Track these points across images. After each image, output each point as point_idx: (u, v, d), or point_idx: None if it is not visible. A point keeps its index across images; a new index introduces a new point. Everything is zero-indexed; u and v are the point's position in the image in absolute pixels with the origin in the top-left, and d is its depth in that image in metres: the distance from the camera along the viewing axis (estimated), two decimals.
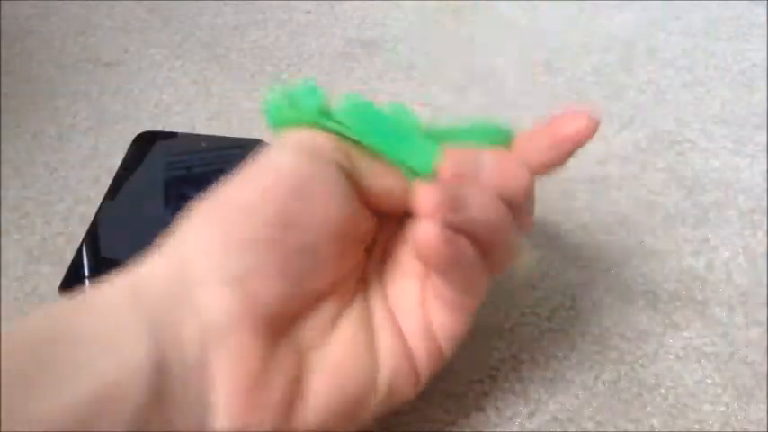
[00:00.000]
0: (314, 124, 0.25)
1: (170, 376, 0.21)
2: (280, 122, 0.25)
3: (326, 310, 0.24)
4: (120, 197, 0.37)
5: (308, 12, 0.50)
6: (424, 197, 0.22)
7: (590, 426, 0.29)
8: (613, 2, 0.51)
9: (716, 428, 0.29)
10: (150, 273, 0.22)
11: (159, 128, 0.42)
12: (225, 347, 0.21)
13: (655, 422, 0.29)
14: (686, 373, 0.31)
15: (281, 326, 0.23)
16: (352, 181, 0.24)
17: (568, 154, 0.24)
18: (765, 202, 0.37)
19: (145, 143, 0.40)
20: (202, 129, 0.42)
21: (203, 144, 0.40)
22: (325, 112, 0.25)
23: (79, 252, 0.34)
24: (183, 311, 0.21)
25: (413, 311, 0.25)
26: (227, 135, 0.41)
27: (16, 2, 0.50)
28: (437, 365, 0.26)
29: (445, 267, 0.23)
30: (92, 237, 0.35)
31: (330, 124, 0.25)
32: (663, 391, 0.30)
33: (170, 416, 0.21)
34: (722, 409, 0.29)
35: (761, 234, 0.36)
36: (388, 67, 0.46)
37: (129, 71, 0.46)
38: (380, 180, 0.24)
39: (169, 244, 0.23)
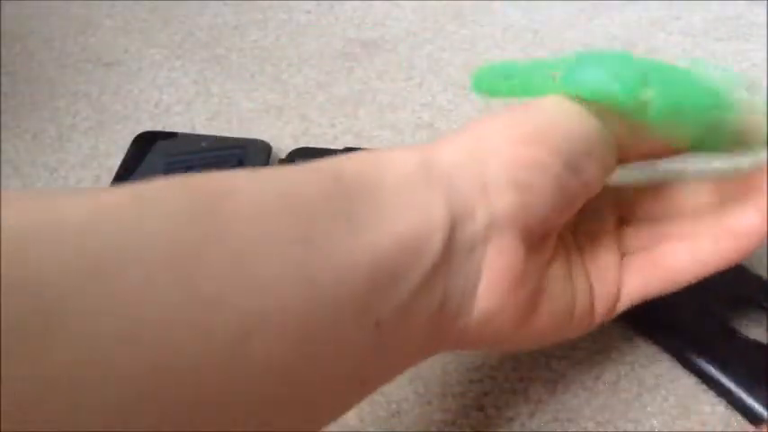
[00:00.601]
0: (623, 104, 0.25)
1: (456, 245, 0.22)
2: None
3: (549, 245, 0.26)
4: None
5: (308, 12, 0.50)
6: None
7: (590, 426, 0.29)
8: (613, 2, 0.51)
9: (718, 429, 0.29)
10: (441, 158, 0.24)
11: (159, 128, 0.42)
12: (499, 240, 0.23)
13: (655, 422, 0.29)
14: (686, 374, 0.31)
15: (532, 242, 0.25)
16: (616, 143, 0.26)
17: None
18: None
19: (145, 143, 0.40)
20: (202, 129, 0.42)
21: (203, 144, 0.40)
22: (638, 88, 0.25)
23: None
24: (474, 196, 0.23)
25: (608, 269, 0.28)
26: (227, 135, 0.41)
27: (16, 2, 0.50)
28: (611, 315, 0.28)
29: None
30: None
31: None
32: (663, 391, 0.30)
33: (445, 284, 0.22)
34: (722, 409, 0.29)
35: None
36: (388, 67, 0.46)
37: (129, 71, 0.46)
38: (637, 148, 0.27)
39: (460, 138, 0.25)
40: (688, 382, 0.30)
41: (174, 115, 0.43)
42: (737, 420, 0.29)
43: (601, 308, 0.27)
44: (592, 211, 0.28)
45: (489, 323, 0.24)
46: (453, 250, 0.22)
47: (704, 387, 0.30)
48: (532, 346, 0.29)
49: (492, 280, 0.23)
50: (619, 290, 0.28)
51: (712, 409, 0.29)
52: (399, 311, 0.21)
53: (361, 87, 0.45)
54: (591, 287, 0.27)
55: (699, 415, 0.29)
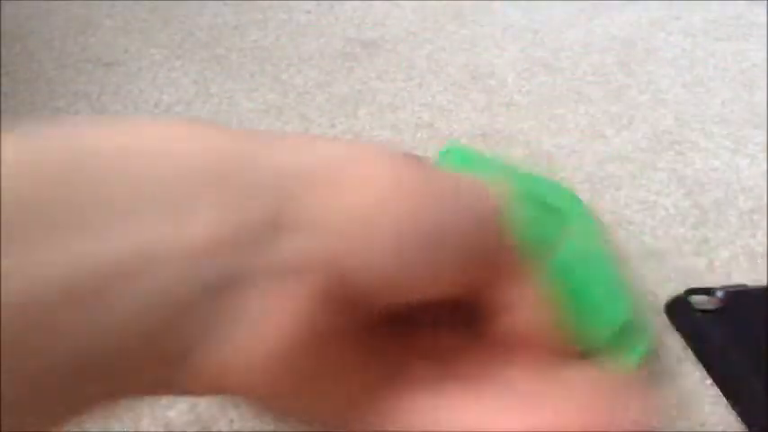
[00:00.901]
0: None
1: (227, 270, 0.16)
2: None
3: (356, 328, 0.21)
4: None
5: (308, 12, 0.50)
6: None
7: None
8: (613, 2, 0.51)
9: (718, 429, 0.29)
10: (274, 157, 0.18)
11: None
12: (297, 281, 0.17)
13: (655, 422, 0.29)
14: (687, 374, 0.31)
15: (340, 307, 0.20)
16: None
17: None
18: (765, 202, 0.37)
19: None
20: None
21: None
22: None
23: None
24: (289, 217, 0.16)
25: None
26: None
27: (16, 2, 0.50)
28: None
29: None
30: None
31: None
32: (663, 391, 0.30)
33: (187, 319, 0.17)
34: (722, 409, 0.29)
35: (761, 234, 0.36)
36: (388, 67, 0.46)
37: (129, 71, 0.46)
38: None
39: (333, 146, 0.19)
40: (688, 381, 0.30)
41: (173, 115, 0.43)
42: (737, 420, 0.29)
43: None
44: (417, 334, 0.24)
45: (240, 373, 0.18)
46: (220, 276, 0.18)
47: (704, 387, 0.30)
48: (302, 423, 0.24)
49: (267, 326, 0.18)
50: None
51: (712, 409, 0.29)
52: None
53: (361, 87, 0.45)
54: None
55: (699, 415, 0.29)
